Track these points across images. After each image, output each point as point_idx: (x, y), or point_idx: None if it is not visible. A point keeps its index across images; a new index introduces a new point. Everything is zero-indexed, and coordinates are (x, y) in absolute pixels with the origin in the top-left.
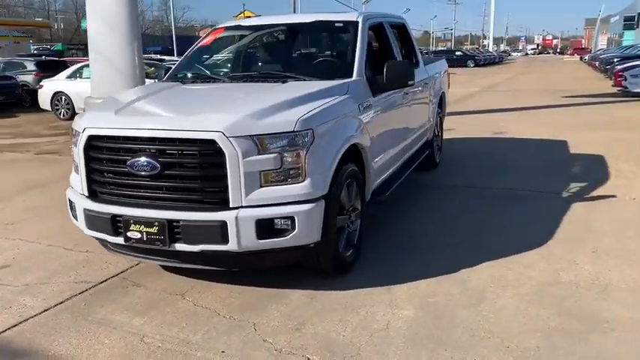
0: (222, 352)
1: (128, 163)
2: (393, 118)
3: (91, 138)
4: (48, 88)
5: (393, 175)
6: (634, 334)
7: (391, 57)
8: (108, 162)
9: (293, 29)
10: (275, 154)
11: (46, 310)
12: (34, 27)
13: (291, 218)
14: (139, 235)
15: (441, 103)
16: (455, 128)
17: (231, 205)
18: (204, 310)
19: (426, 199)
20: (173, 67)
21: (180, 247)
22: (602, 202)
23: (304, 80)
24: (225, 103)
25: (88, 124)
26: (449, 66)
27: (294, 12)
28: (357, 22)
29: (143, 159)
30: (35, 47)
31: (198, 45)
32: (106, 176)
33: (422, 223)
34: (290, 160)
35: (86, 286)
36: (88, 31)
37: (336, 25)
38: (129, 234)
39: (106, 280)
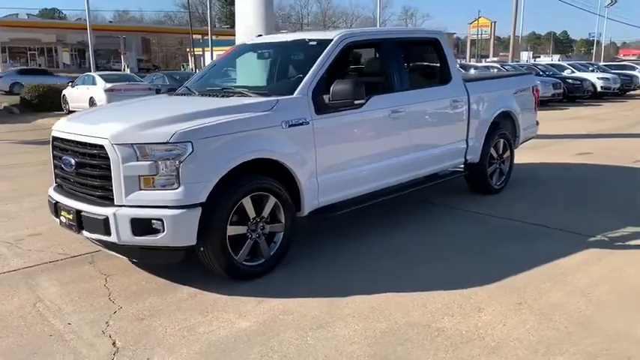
0: (69, 324)
1: (61, 159)
2: (360, 137)
3: (52, 138)
4: None
5: (379, 194)
6: None
7: (386, 74)
8: (56, 158)
9: (280, 48)
10: (151, 162)
11: (14, 270)
12: None
13: (161, 220)
14: (64, 220)
15: (513, 124)
16: (593, 152)
17: (115, 203)
18: (104, 290)
19: (430, 224)
20: None
21: (85, 233)
22: (626, 253)
23: (246, 95)
24: (136, 114)
25: (54, 127)
26: None
27: (515, 16)
28: (329, 41)
29: (66, 157)
30: None
31: (213, 61)
32: (57, 169)
33: (391, 247)
34: (165, 168)
35: (61, 257)
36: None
37: (310, 43)
38: (60, 218)
39: (78, 255)
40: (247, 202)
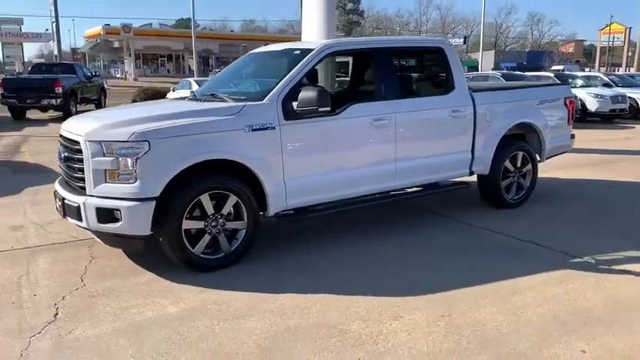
0: (34, 295)
1: (59, 153)
2: (334, 144)
3: (59, 134)
4: None
5: (359, 200)
6: None
7: (372, 83)
8: (59, 152)
9: (273, 57)
10: (113, 158)
11: (27, 247)
12: None
13: (119, 210)
14: (57, 206)
15: (538, 137)
16: None
17: (87, 193)
18: (82, 270)
19: (413, 232)
20: None
21: (68, 219)
22: (598, 277)
23: (223, 100)
24: (115, 115)
25: (61, 125)
26: None
27: None
28: (309, 50)
29: (61, 151)
30: None
31: (225, 67)
32: (59, 162)
33: (357, 251)
34: (124, 163)
35: (69, 239)
36: None
37: (294, 52)
38: (56, 204)
39: (84, 239)
40: (205, 199)
